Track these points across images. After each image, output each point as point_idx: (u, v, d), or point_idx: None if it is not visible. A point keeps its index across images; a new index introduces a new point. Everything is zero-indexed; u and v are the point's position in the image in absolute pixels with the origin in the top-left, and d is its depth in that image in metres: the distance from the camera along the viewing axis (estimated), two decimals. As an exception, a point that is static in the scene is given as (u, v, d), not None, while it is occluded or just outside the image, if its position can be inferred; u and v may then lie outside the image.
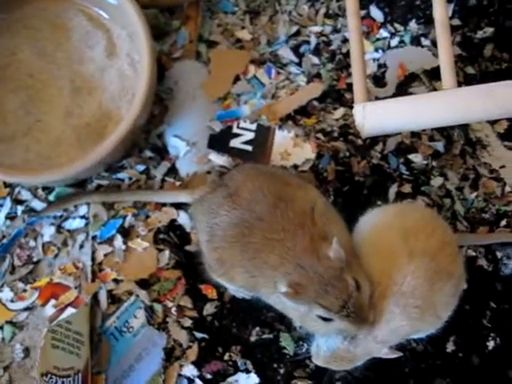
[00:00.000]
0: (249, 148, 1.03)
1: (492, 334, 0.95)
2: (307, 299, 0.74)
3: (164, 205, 1.01)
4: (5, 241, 1.00)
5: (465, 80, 1.08)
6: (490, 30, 1.11)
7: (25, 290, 0.97)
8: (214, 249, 0.84)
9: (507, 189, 1.03)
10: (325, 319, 0.76)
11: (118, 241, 0.99)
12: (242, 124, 1.05)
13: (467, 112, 0.84)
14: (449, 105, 0.84)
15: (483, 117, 0.85)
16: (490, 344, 0.95)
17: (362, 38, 0.93)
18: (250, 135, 1.04)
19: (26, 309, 0.96)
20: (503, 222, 1.01)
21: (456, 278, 0.82)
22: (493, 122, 1.07)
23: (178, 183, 1.02)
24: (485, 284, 0.97)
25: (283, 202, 0.80)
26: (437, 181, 1.03)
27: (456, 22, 1.12)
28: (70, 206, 1.01)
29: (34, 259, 0.99)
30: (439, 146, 1.04)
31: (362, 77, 0.90)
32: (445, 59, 0.86)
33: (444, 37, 0.86)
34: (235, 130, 1.04)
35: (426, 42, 1.11)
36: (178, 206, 1.01)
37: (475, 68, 1.09)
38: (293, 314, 0.81)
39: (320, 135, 1.04)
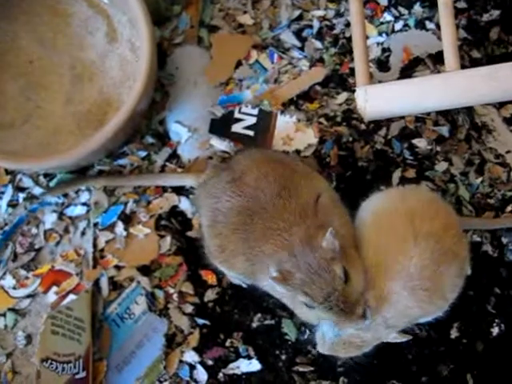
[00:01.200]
0: (250, 133, 1.02)
1: (496, 320, 0.94)
2: (293, 286, 0.75)
3: (165, 190, 1.00)
4: (7, 228, 1.00)
5: (470, 64, 1.06)
6: (496, 13, 1.09)
7: (27, 278, 0.97)
8: (216, 235, 0.84)
9: (513, 174, 1.02)
10: (309, 306, 0.76)
11: (120, 227, 0.99)
12: (244, 109, 1.04)
13: (470, 94, 0.83)
14: (451, 87, 0.83)
15: (486, 99, 0.83)
16: (495, 330, 0.94)
17: (364, 21, 0.92)
18: (252, 120, 1.03)
19: (28, 296, 0.96)
20: (509, 208, 1.00)
21: (461, 259, 0.82)
22: (499, 107, 1.05)
23: (179, 169, 1.01)
24: (490, 270, 0.97)
25: (287, 192, 0.80)
26: (441, 166, 1.01)
27: (462, 4, 1.10)
28: (73, 190, 1.01)
29: (36, 246, 0.99)
30: (444, 130, 1.03)
31: (364, 60, 0.89)
32: (448, 41, 0.85)
33: (447, 18, 0.85)
34: (237, 115, 1.04)
35: (430, 25, 1.09)
36: (180, 192, 1.00)
37: (481, 52, 1.08)
38: (281, 298, 0.81)
39: (323, 120, 1.03)
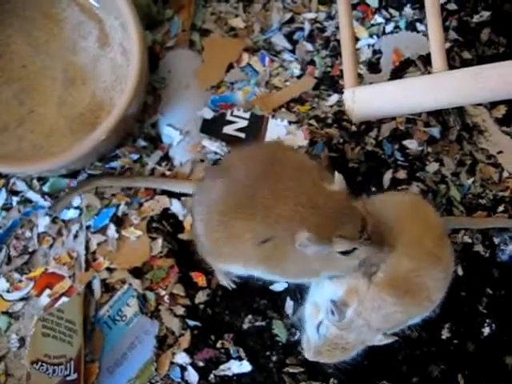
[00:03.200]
0: (242, 135, 1.03)
1: (488, 321, 0.94)
2: (327, 236, 0.73)
3: (156, 193, 1.01)
4: (0, 232, 1.00)
5: (461, 65, 1.06)
6: (486, 14, 1.10)
7: (20, 281, 0.98)
8: (216, 226, 0.80)
9: (505, 174, 1.02)
10: (347, 253, 0.74)
11: (111, 230, 0.99)
12: (236, 112, 1.04)
13: (457, 95, 0.83)
14: (438, 88, 0.84)
15: (473, 100, 0.84)
16: (486, 330, 0.94)
17: (352, 23, 0.92)
18: (244, 123, 1.04)
19: (22, 299, 0.97)
20: (500, 208, 1.01)
21: (444, 262, 0.81)
22: (490, 107, 1.06)
23: (168, 172, 1.02)
24: (481, 270, 0.97)
25: (279, 160, 0.79)
26: (432, 167, 1.02)
27: (452, 6, 1.11)
28: (79, 193, 1.01)
29: (30, 249, 1.00)
30: (435, 131, 1.03)
31: (352, 62, 0.90)
32: (435, 42, 0.85)
33: (434, 19, 0.86)
34: (229, 118, 1.04)
35: (421, 27, 1.10)
36: (171, 194, 1.01)
37: (472, 53, 1.08)
38: (314, 266, 0.78)
39: (313, 122, 1.04)
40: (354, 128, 1.03)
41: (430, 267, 0.79)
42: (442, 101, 0.84)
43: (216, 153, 1.02)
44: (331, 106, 1.05)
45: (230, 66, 1.08)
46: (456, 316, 0.94)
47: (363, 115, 0.89)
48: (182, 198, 1.00)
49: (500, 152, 1.03)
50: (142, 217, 1.00)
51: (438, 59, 0.84)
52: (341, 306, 0.78)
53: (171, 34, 1.10)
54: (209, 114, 1.04)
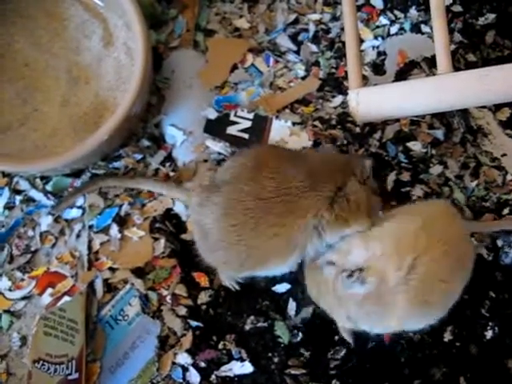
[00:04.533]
0: (245, 136, 1.03)
1: (490, 324, 0.94)
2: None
3: (160, 193, 1.00)
4: (3, 230, 1.00)
5: (466, 67, 1.06)
6: (491, 17, 1.09)
7: (22, 280, 0.98)
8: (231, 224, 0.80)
9: (508, 177, 1.02)
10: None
11: (114, 230, 0.99)
12: (240, 112, 1.04)
13: (461, 97, 0.83)
14: (442, 89, 0.83)
15: (477, 101, 0.83)
16: (489, 334, 0.94)
17: (357, 25, 0.92)
18: (247, 123, 1.04)
19: (24, 298, 0.97)
20: (505, 211, 1.00)
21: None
22: (494, 110, 1.05)
23: (171, 173, 1.02)
24: (484, 273, 0.96)
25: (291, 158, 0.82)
26: (436, 169, 1.01)
27: (457, 8, 1.11)
28: (83, 194, 1.01)
29: (32, 248, 0.99)
30: (439, 133, 1.03)
31: (357, 63, 0.90)
32: (440, 43, 0.85)
33: (439, 21, 0.85)
34: (232, 118, 1.04)
35: (426, 28, 1.09)
36: (174, 195, 1.01)
37: (477, 55, 1.08)
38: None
39: (317, 123, 1.04)
40: (357, 129, 1.03)
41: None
42: (446, 103, 0.84)
43: (220, 153, 1.02)
44: (335, 108, 1.05)
45: (234, 67, 1.08)
46: (458, 319, 0.93)
47: (367, 117, 0.89)
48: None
49: (504, 155, 1.03)
50: (145, 217, 0.99)
51: (442, 61, 0.84)
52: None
53: (175, 33, 1.10)
54: (212, 114, 1.04)
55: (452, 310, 0.89)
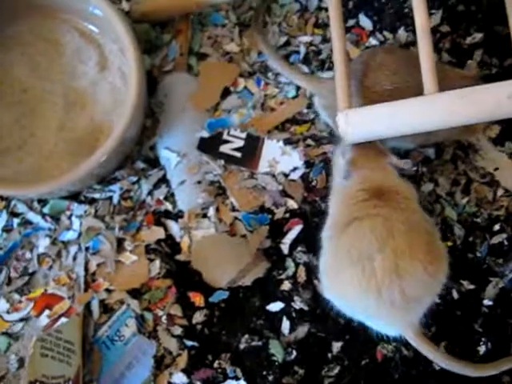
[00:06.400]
0: (238, 155, 1.05)
1: (483, 339, 0.94)
2: None
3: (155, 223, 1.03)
4: (1, 253, 1.02)
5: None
6: (479, 36, 1.11)
7: (20, 301, 0.99)
8: None
9: (499, 193, 1.03)
10: None
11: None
12: (233, 132, 1.06)
13: (447, 117, 0.84)
14: (429, 110, 0.84)
15: (464, 121, 0.84)
16: (482, 349, 0.94)
17: (345, 47, 0.93)
18: (240, 143, 1.06)
19: (21, 320, 0.98)
20: (496, 227, 1.01)
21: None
22: (484, 127, 1.06)
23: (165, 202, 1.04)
24: (477, 289, 0.97)
25: None
26: (427, 187, 1.03)
27: (445, 28, 1.12)
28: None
29: (30, 271, 1.01)
30: (430, 152, 1.04)
31: (345, 85, 0.91)
32: (425, 65, 0.86)
33: (424, 42, 0.86)
34: (225, 137, 1.06)
35: (415, 49, 1.11)
36: (168, 216, 1.03)
37: (465, 74, 1.09)
38: None
39: (310, 141, 1.05)
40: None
41: None
42: (433, 123, 0.85)
43: (213, 173, 1.04)
44: (327, 125, 1.06)
45: (226, 90, 1.10)
46: (452, 335, 0.94)
47: (357, 137, 0.90)
48: (179, 220, 1.01)
49: (496, 169, 1.04)
50: (136, 244, 1.01)
51: (429, 82, 0.85)
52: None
53: (169, 57, 1.12)
54: (206, 135, 1.06)
55: (445, 326, 0.91)
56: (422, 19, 0.88)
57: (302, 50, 1.12)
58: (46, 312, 0.98)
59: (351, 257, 0.82)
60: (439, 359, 0.88)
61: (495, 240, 1.00)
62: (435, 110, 0.83)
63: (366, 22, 1.14)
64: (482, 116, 0.84)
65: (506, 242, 1.00)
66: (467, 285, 0.97)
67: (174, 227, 1.01)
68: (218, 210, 1.02)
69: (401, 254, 0.79)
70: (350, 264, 0.81)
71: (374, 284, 0.80)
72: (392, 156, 0.91)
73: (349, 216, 0.85)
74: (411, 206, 0.86)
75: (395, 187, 0.87)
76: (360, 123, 0.89)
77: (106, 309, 0.97)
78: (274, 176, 1.03)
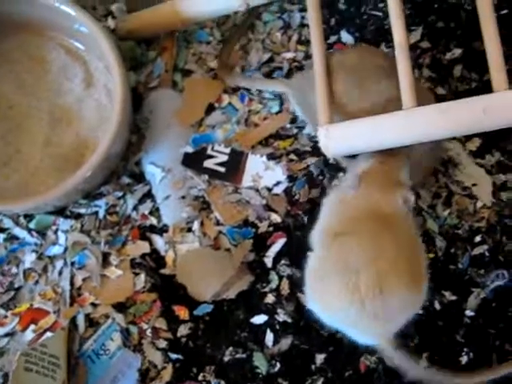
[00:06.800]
0: (222, 169, 1.06)
1: (465, 349, 0.95)
2: None
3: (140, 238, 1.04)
4: (-13, 268, 1.03)
5: (436, 101, 1.09)
6: (458, 52, 1.13)
7: (6, 316, 0.99)
8: None
9: (479, 205, 1.04)
10: None
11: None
12: (217, 147, 1.08)
13: (425, 131, 0.85)
14: (407, 124, 0.86)
15: (443, 134, 0.86)
16: (464, 359, 0.95)
17: (326, 62, 0.95)
18: (224, 158, 1.07)
19: (7, 335, 0.98)
20: (477, 238, 1.02)
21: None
22: (464, 141, 1.08)
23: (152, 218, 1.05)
24: (459, 300, 0.98)
25: None
26: (409, 199, 1.04)
27: (426, 44, 1.14)
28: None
29: (16, 285, 1.01)
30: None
31: (326, 100, 0.93)
32: (404, 80, 0.87)
33: (402, 58, 0.88)
34: (209, 152, 1.07)
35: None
36: (153, 231, 1.04)
37: (445, 88, 1.11)
38: None
39: (293, 156, 1.07)
40: (332, 160, 1.05)
41: None
42: (412, 137, 0.87)
43: (198, 187, 1.05)
44: (310, 139, 1.08)
45: (211, 105, 1.11)
46: (434, 345, 0.95)
47: (338, 152, 0.92)
48: (164, 235, 1.02)
49: (474, 184, 1.06)
50: (121, 259, 1.02)
51: (406, 96, 0.87)
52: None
53: (154, 74, 1.13)
54: (190, 150, 1.07)
55: (427, 337, 0.92)
56: (400, 36, 0.89)
57: (286, 66, 1.14)
58: (32, 327, 0.98)
59: (337, 268, 0.83)
60: (414, 369, 0.89)
61: (476, 251, 1.01)
62: (414, 124, 0.85)
63: (347, 38, 1.16)
64: (460, 130, 0.85)
65: (487, 253, 1.01)
66: (449, 296, 0.98)
67: (159, 241, 1.02)
68: (202, 224, 1.03)
69: (385, 273, 0.81)
70: (336, 275, 0.83)
71: (357, 297, 0.81)
72: (409, 192, 0.89)
73: (341, 228, 0.86)
74: (407, 233, 0.87)
75: (395, 216, 0.87)
76: (340, 138, 0.91)
77: (92, 323, 0.98)
78: (257, 190, 1.05)
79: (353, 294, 0.81)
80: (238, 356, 0.95)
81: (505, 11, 1.14)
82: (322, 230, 0.90)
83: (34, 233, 1.04)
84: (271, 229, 1.02)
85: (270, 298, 0.98)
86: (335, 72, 0.95)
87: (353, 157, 0.96)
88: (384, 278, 0.81)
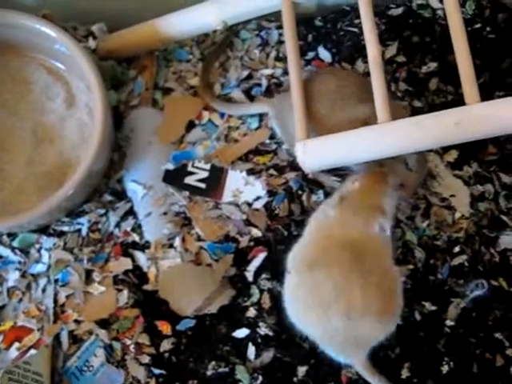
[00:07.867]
0: (202, 186, 1.07)
1: (446, 359, 0.96)
2: None
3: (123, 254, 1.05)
4: (-29, 287, 1.03)
5: (413, 113, 1.10)
6: (433, 65, 1.15)
7: (-10, 335, 1.00)
8: None
9: (457, 215, 1.05)
10: None
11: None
12: (197, 163, 1.09)
13: (400, 144, 0.87)
14: (382, 138, 0.88)
15: (416, 147, 0.87)
16: (445, 368, 0.95)
17: (302, 79, 0.97)
18: (204, 174, 1.08)
19: (-10, 353, 0.99)
20: (456, 249, 1.03)
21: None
22: (442, 152, 1.10)
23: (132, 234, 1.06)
24: (440, 310, 0.99)
25: None
26: (387, 211, 1.05)
27: (401, 58, 1.16)
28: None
29: (0, 304, 1.02)
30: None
31: (303, 115, 0.95)
32: (378, 95, 0.89)
33: (377, 74, 0.90)
34: (190, 169, 1.09)
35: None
36: (136, 247, 1.05)
37: (422, 101, 1.13)
38: None
39: (272, 171, 1.08)
40: (311, 175, 1.07)
41: None
42: (387, 150, 0.88)
43: (179, 204, 1.06)
44: (289, 154, 1.09)
45: (191, 122, 1.13)
46: (415, 355, 0.96)
47: (315, 166, 0.94)
48: (146, 251, 1.04)
49: (452, 195, 1.07)
50: (109, 271, 1.03)
51: (381, 111, 0.88)
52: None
53: (135, 93, 1.15)
54: (171, 167, 1.09)
55: (409, 346, 0.93)
56: (373, 52, 0.92)
57: (264, 82, 1.16)
58: (16, 344, 0.99)
59: (308, 299, 0.85)
60: None
61: (455, 262, 1.02)
62: (389, 137, 0.87)
63: (325, 55, 1.18)
64: (434, 142, 0.87)
65: (466, 264, 1.02)
66: (429, 306, 0.99)
67: (141, 258, 1.03)
68: (183, 240, 1.04)
69: (355, 307, 0.82)
70: (308, 306, 0.85)
71: (328, 327, 0.84)
72: (386, 220, 0.89)
73: (314, 258, 0.87)
74: (379, 262, 0.87)
75: (371, 242, 0.87)
76: (317, 152, 0.92)
77: (75, 339, 0.99)
78: (237, 206, 1.06)
79: (324, 325, 0.84)
80: (220, 370, 0.96)
81: (478, 25, 1.16)
82: (298, 254, 0.91)
83: (18, 251, 1.05)
84: (252, 243, 1.03)
85: (251, 312, 0.99)
86: (312, 94, 0.98)
87: (339, 176, 0.98)
88: (353, 309, 0.82)
